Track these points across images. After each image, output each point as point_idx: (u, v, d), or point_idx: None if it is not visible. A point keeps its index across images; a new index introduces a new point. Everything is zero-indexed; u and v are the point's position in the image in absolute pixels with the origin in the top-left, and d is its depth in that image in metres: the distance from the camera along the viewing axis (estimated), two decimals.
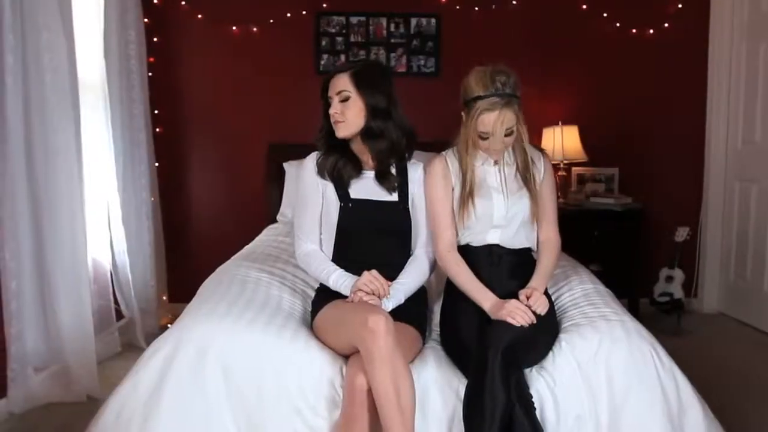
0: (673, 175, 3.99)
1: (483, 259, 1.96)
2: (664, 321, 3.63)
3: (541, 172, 2.00)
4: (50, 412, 2.46)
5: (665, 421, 1.70)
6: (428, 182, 2.02)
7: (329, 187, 2.01)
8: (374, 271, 1.85)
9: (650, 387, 1.72)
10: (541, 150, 2.06)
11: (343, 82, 1.95)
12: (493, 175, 1.98)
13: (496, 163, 1.99)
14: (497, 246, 1.97)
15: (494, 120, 1.82)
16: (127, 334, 3.26)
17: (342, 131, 1.97)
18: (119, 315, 3.23)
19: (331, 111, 1.95)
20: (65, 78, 2.57)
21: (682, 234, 3.65)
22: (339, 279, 1.91)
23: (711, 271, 4.00)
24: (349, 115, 1.94)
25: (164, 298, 3.78)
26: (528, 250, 2.03)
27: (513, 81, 1.84)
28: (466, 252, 1.97)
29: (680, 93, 3.95)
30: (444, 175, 2.00)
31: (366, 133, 1.97)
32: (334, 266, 1.96)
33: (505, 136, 1.86)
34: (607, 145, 3.88)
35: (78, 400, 2.55)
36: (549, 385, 1.72)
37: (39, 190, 2.50)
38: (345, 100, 1.94)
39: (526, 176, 1.96)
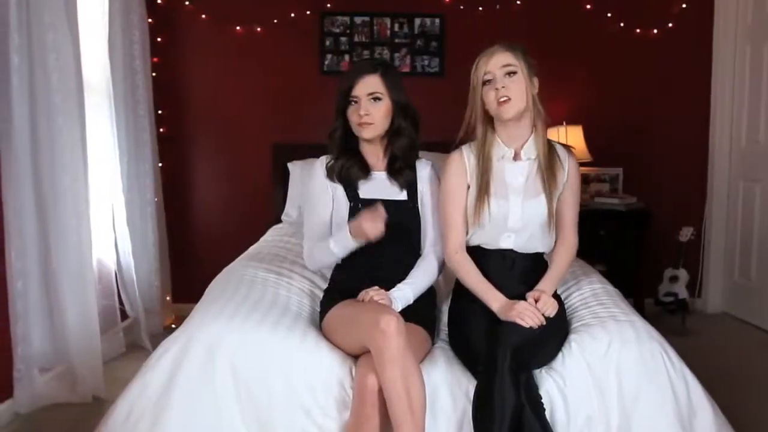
0: (678, 175, 3.98)
1: (495, 263, 1.93)
2: (668, 321, 3.63)
3: (566, 172, 1.94)
4: (56, 413, 2.46)
5: (676, 422, 1.69)
6: (442, 178, 1.99)
7: (339, 189, 2.02)
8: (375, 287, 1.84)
9: (660, 387, 1.72)
10: (568, 148, 2.00)
11: (374, 83, 1.94)
12: (513, 172, 1.92)
13: (515, 158, 1.93)
14: (510, 251, 1.93)
15: (490, 59, 1.86)
16: (132, 334, 3.26)
17: (370, 132, 1.96)
18: (123, 315, 3.23)
19: (361, 112, 1.93)
20: (71, 78, 2.56)
21: (686, 234, 3.65)
22: (336, 237, 1.95)
23: (715, 271, 4.00)
24: (378, 116, 1.95)
25: (168, 298, 3.77)
26: (542, 255, 1.99)
27: (518, 44, 1.89)
28: (478, 254, 1.94)
29: (684, 93, 3.94)
30: (458, 171, 1.95)
31: (391, 132, 1.99)
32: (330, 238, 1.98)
33: (506, 75, 1.84)
34: (611, 145, 3.87)
35: (84, 400, 2.55)
36: (559, 385, 1.72)
37: (45, 190, 2.50)
38: (377, 100, 1.94)
39: (548, 175, 1.90)
